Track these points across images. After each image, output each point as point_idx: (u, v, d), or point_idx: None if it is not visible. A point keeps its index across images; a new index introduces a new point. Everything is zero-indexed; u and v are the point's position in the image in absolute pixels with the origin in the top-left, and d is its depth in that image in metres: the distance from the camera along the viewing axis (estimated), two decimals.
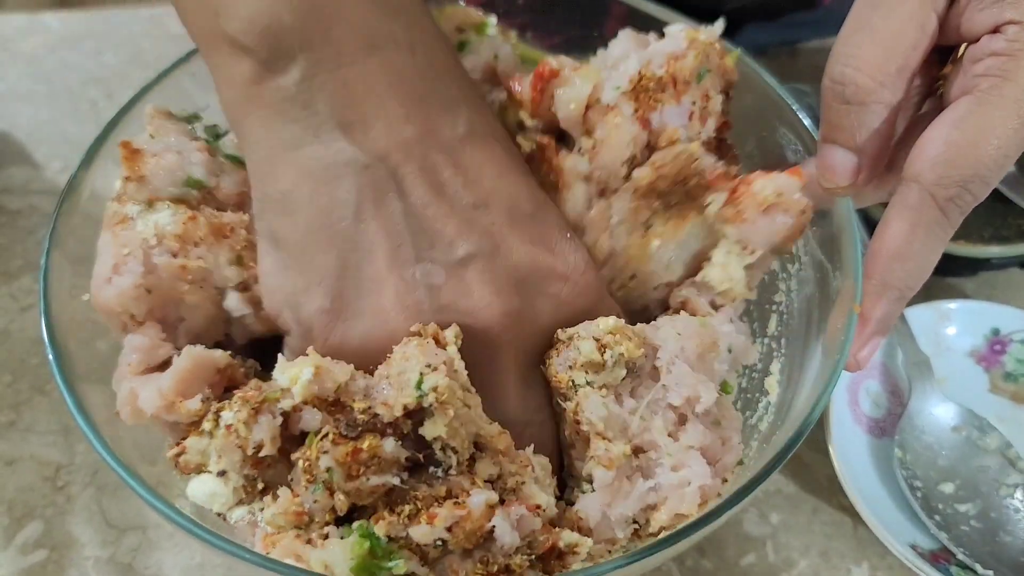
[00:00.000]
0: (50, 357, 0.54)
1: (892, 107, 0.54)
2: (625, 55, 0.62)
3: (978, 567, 0.69)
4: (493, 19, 0.67)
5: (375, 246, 0.53)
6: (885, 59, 0.53)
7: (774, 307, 0.69)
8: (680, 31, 0.61)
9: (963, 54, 0.54)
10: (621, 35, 0.64)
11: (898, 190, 0.53)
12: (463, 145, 0.55)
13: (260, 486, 0.52)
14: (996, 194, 0.89)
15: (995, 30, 0.51)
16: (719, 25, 0.62)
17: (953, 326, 0.85)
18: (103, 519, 0.75)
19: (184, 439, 0.53)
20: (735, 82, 0.63)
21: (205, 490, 0.52)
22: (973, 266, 0.90)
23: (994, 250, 0.87)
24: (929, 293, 0.87)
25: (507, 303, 0.54)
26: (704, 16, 0.67)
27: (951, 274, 0.93)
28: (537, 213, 0.57)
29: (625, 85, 0.59)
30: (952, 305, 0.85)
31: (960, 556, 0.70)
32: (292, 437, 0.52)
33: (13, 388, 0.83)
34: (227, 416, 0.51)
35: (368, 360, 0.53)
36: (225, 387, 0.56)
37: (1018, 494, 0.74)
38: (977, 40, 0.52)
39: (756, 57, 0.67)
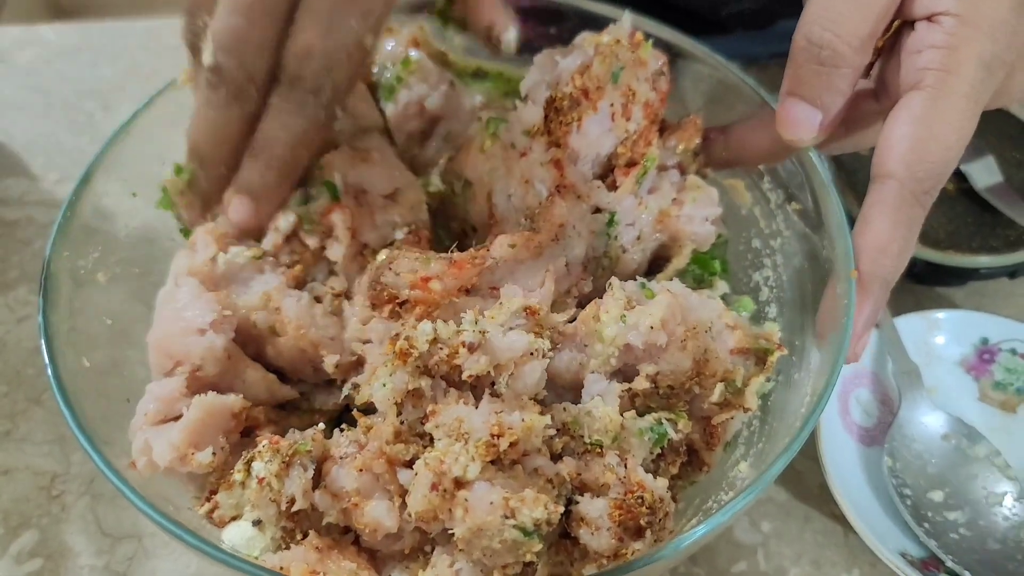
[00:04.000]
0: (48, 371, 0.54)
1: (858, 71, 0.57)
2: (534, 85, 0.64)
3: (967, 574, 0.70)
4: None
5: None
6: (861, 25, 0.55)
7: (764, 283, 0.71)
8: (583, 40, 0.63)
9: (894, 30, 0.58)
10: (535, 63, 0.66)
11: (873, 188, 0.56)
12: None
13: (299, 536, 0.53)
14: (985, 205, 0.90)
15: (930, 18, 0.55)
16: (624, 21, 0.64)
17: (942, 335, 0.86)
18: (98, 528, 0.75)
19: (213, 492, 0.53)
20: (659, 65, 0.64)
21: (243, 536, 0.52)
22: (962, 276, 0.90)
23: (983, 260, 0.88)
24: (919, 303, 0.88)
25: None
26: (699, 22, 0.68)
27: (940, 284, 0.93)
28: None
29: (530, 127, 0.62)
30: (941, 315, 0.85)
31: (949, 563, 0.71)
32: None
33: (9, 398, 0.83)
34: (258, 468, 0.51)
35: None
36: (244, 429, 0.57)
37: (1006, 502, 0.75)
38: (912, 23, 0.56)
39: (746, 68, 0.69)
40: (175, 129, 0.62)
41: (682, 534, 0.50)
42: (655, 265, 0.66)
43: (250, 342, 0.61)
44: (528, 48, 0.73)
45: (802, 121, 0.59)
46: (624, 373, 0.57)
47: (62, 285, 0.59)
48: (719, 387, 0.57)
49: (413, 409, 0.53)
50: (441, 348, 0.52)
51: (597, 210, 0.62)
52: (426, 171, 0.73)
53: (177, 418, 0.55)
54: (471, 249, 0.58)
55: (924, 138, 0.54)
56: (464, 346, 0.52)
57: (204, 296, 0.58)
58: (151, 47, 1.19)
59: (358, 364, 0.61)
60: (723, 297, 0.65)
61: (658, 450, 0.56)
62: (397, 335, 0.53)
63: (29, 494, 0.77)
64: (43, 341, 0.55)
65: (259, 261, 0.61)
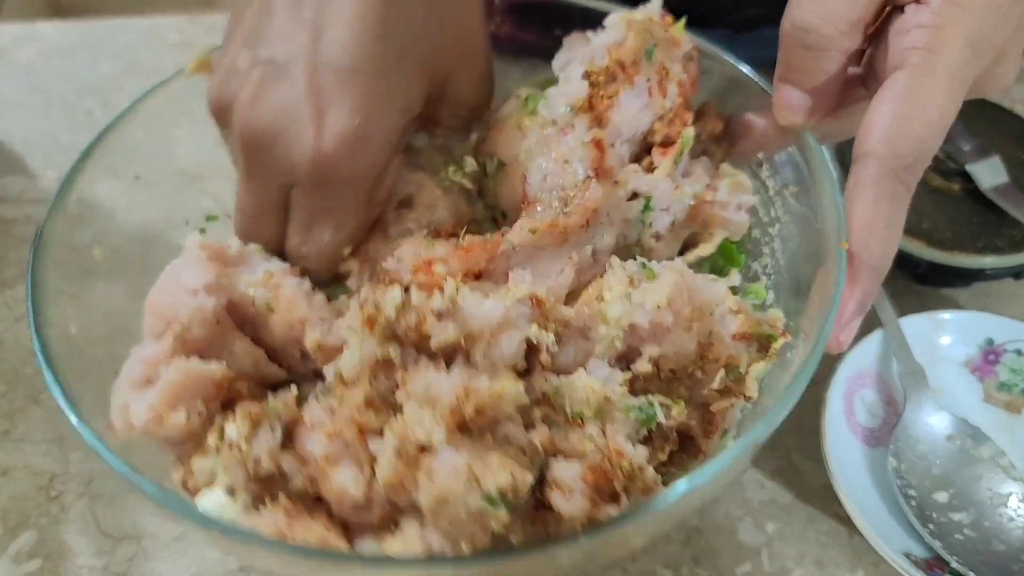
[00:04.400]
0: (43, 367, 0.54)
1: (848, 54, 0.57)
2: (566, 63, 0.63)
3: (972, 575, 0.69)
4: None
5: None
6: (849, 9, 0.55)
7: (763, 271, 0.71)
8: (616, 19, 0.63)
9: (884, 16, 0.58)
10: (565, 43, 0.65)
11: (854, 169, 0.56)
12: None
13: (268, 501, 0.52)
14: (990, 206, 0.90)
15: (918, 0, 0.55)
16: (655, 2, 0.64)
17: (947, 336, 0.85)
18: (97, 528, 0.74)
19: (188, 458, 0.53)
20: (690, 48, 0.64)
21: (215, 503, 0.51)
22: (967, 276, 0.90)
23: (988, 260, 0.87)
24: (923, 303, 0.87)
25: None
26: (711, 25, 0.68)
27: (945, 284, 0.93)
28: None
29: (574, 102, 0.61)
30: (946, 315, 0.85)
31: (954, 565, 0.70)
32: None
33: (7, 397, 0.82)
34: (230, 431, 0.51)
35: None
36: (226, 401, 0.56)
37: (1012, 503, 0.74)
38: (902, 7, 0.56)
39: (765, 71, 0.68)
40: (173, 121, 0.62)
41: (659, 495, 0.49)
42: (680, 254, 0.66)
43: (246, 322, 0.60)
44: (528, 50, 0.73)
45: (794, 105, 0.60)
46: (627, 358, 0.57)
47: (51, 278, 0.59)
48: (720, 373, 0.56)
49: (385, 379, 0.52)
50: (410, 315, 0.52)
51: (633, 196, 0.62)
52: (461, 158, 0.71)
53: None
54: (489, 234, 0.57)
55: (905, 115, 0.54)
56: (433, 313, 0.51)
57: (206, 263, 0.58)
58: (151, 45, 1.19)
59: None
60: (733, 289, 0.65)
61: (645, 431, 0.55)
62: (366, 300, 0.53)
63: (27, 494, 0.76)
64: (35, 341, 0.55)
65: (270, 251, 0.62)
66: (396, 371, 0.52)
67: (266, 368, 0.61)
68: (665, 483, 0.54)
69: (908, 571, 0.68)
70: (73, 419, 0.51)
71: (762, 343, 0.58)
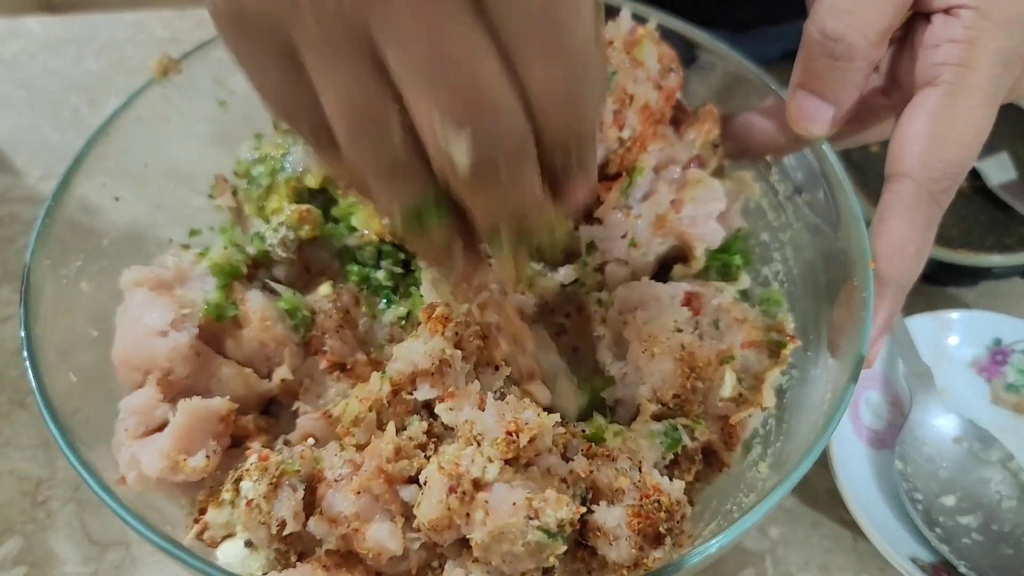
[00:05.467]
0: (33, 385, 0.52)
1: (872, 65, 0.55)
2: None
3: None
4: None
5: None
6: (879, 18, 0.53)
7: (774, 277, 0.69)
8: None
9: (907, 22, 0.56)
10: None
11: (888, 188, 0.55)
12: None
13: (294, 558, 0.50)
14: (998, 203, 0.89)
15: (948, 11, 0.53)
16: (623, 18, 0.62)
17: (955, 336, 0.84)
18: (85, 535, 0.73)
19: (202, 512, 0.51)
20: (666, 65, 0.62)
21: (238, 555, 0.50)
22: (975, 275, 0.89)
23: (996, 259, 0.86)
24: (930, 303, 0.86)
25: None
26: (712, 27, 0.66)
27: (953, 284, 0.92)
28: None
29: None
30: (954, 315, 0.84)
31: (962, 569, 0.69)
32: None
33: None
34: (246, 488, 0.49)
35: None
36: (234, 439, 0.55)
37: (1020, 506, 0.73)
38: (929, 16, 0.54)
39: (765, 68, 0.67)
40: (160, 125, 0.61)
41: (708, 541, 0.48)
42: (670, 264, 0.65)
43: (211, 339, 0.59)
44: None
45: (814, 115, 0.57)
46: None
47: (45, 289, 0.57)
48: (729, 379, 0.55)
49: (431, 388, 0.51)
50: (475, 325, 0.52)
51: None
52: None
53: (160, 428, 0.53)
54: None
55: (941, 135, 0.53)
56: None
57: (158, 299, 0.56)
58: (138, 40, 1.17)
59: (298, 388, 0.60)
60: (744, 292, 0.63)
61: (671, 456, 0.54)
62: (433, 305, 0.54)
63: (13, 500, 0.75)
64: (26, 351, 0.53)
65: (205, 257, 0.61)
66: (448, 380, 0.51)
67: (258, 386, 0.59)
68: (691, 500, 0.54)
69: None
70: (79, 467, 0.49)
71: (772, 350, 0.57)
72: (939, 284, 0.92)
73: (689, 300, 0.59)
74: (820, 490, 0.77)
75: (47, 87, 1.11)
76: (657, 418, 0.55)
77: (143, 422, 0.53)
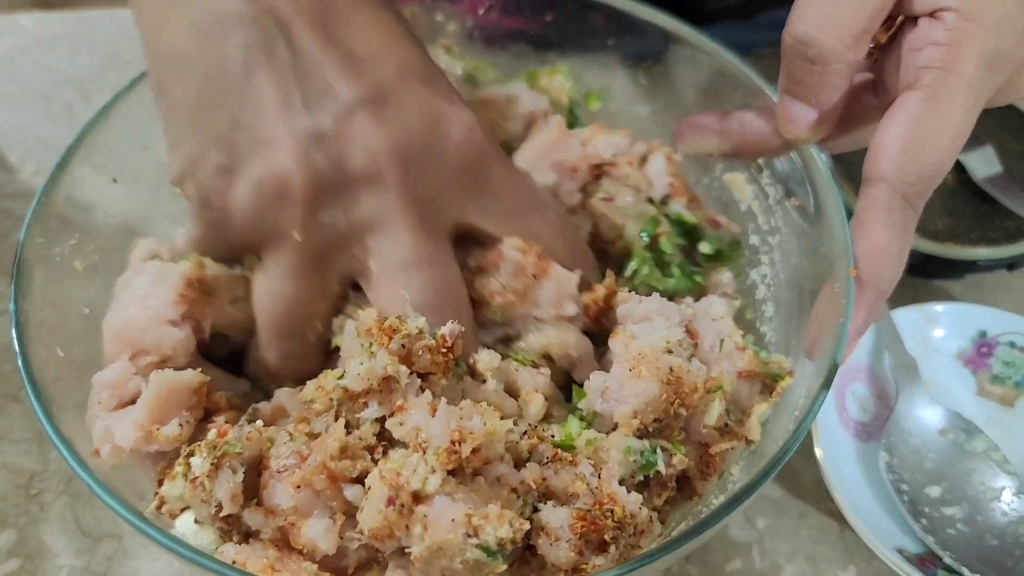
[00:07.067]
0: (21, 368, 0.52)
1: (853, 66, 0.55)
2: None
3: (965, 571, 0.69)
4: None
5: (265, 98, 0.52)
6: (853, 20, 0.53)
7: (761, 280, 0.69)
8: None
9: (894, 32, 0.56)
10: None
11: (864, 192, 0.55)
12: (356, 6, 0.55)
13: (236, 538, 0.50)
14: (984, 196, 0.89)
15: (932, 14, 0.53)
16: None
17: (940, 328, 0.85)
18: (77, 527, 0.73)
19: (160, 481, 0.51)
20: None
21: (190, 528, 0.50)
22: (960, 268, 0.89)
23: (981, 252, 0.87)
24: (916, 295, 0.87)
25: (398, 145, 0.53)
26: (686, 14, 0.66)
27: (938, 276, 0.92)
28: (429, 75, 0.56)
29: None
30: (939, 307, 0.85)
31: (947, 560, 0.70)
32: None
33: None
34: (196, 464, 0.49)
35: (263, 216, 0.53)
36: (206, 410, 0.55)
37: (1005, 497, 0.74)
38: (915, 19, 0.54)
39: (742, 57, 0.68)
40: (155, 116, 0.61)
41: (648, 549, 0.48)
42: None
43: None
44: (517, 37, 0.71)
45: (799, 119, 0.58)
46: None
47: (36, 275, 0.57)
48: (716, 407, 0.55)
49: (379, 406, 0.50)
50: (429, 338, 0.51)
51: None
52: None
53: (133, 401, 0.53)
54: None
55: (918, 139, 0.52)
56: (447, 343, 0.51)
57: (172, 286, 0.56)
58: (132, 36, 1.14)
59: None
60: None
61: (641, 476, 0.53)
62: (384, 317, 0.52)
63: (6, 493, 0.75)
64: (14, 334, 0.53)
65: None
66: (395, 396, 0.50)
67: (241, 385, 0.60)
68: (662, 521, 0.54)
69: (901, 567, 0.68)
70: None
71: (766, 383, 0.57)
72: (925, 276, 0.92)
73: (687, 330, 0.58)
74: (807, 481, 0.78)
75: (41, 83, 1.11)
76: (638, 436, 0.54)
77: (116, 395, 0.53)
